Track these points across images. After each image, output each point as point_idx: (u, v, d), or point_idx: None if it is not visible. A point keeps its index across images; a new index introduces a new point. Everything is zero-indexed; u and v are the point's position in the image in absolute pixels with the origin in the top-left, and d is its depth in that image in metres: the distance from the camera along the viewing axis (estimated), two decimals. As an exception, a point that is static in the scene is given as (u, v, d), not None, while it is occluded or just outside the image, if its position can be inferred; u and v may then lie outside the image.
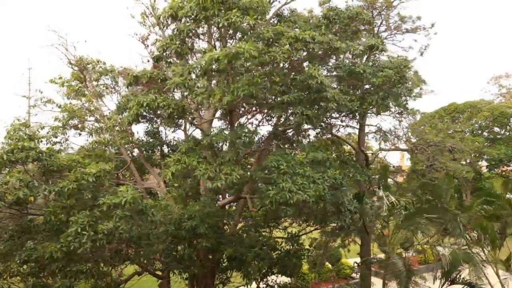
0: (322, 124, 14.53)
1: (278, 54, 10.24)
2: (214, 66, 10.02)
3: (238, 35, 12.69)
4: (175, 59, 12.25)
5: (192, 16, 10.78)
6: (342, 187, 11.03)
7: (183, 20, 11.21)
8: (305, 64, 12.75)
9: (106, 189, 10.68)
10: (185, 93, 10.52)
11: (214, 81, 11.72)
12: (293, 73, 11.99)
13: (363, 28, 15.86)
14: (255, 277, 13.49)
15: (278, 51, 10.35)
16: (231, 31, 12.17)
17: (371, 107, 13.33)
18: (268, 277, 15.15)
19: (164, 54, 11.51)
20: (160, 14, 11.93)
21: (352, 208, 12.31)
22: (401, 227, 13.80)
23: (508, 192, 15.53)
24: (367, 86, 13.26)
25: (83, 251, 9.15)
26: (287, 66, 12.15)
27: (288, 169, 10.27)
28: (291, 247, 15.24)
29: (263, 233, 15.52)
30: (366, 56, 13.68)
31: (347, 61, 13.38)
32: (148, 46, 15.54)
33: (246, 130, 10.80)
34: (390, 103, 13.76)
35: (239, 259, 12.95)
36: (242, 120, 17.08)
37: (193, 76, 10.66)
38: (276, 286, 16.29)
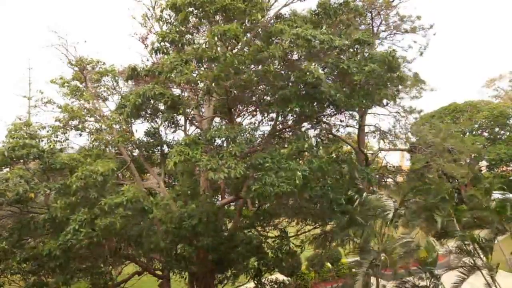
0: (320, 121, 14.55)
1: (276, 50, 10.39)
2: (209, 53, 10.33)
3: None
4: (174, 51, 12.38)
5: (191, 6, 11.00)
6: (328, 175, 11.15)
7: (183, 10, 11.40)
8: (304, 63, 12.83)
9: (111, 188, 10.78)
10: (174, 76, 10.64)
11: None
12: (289, 72, 12.11)
13: (358, 23, 15.75)
14: (243, 274, 13.62)
15: (276, 47, 10.52)
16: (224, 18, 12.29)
17: (359, 102, 13.14)
18: (262, 275, 15.22)
19: (162, 44, 11.65)
20: (163, 8, 12.13)
21: (343, 205, 12.38)
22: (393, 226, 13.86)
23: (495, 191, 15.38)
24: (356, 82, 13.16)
25: (80, 248, 9.25)
26: (283, 64, 12.28)
27: (273, 164, 10.57)
28: (282, 244, 15.31)
29: (254, 232, 15.56)
30: (356, 51, 13.53)
31: (335, 57, 13.32)
32: (147, 46, 15.64)
33: (246, 128, 10.95)
34: (376, 97, 13.54)
35: (228, 257, 13.07)
36: (242, 120, 17.18)
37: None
38: (276, 285, 16.38)
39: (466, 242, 13.85)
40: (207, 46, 10.35)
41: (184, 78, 10.26)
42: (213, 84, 10.88)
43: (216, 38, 9.99)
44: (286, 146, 15.61)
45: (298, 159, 11.03)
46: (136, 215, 10.32)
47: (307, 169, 10.65)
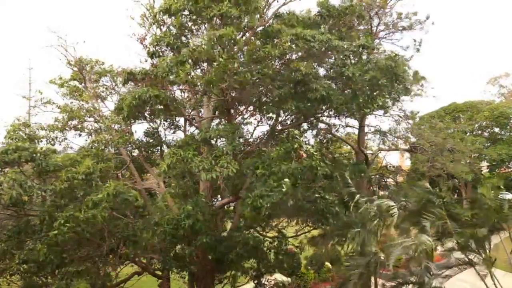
0: (317, 121, 14.50)
1: (273, 50, 10.40)
2: (204, 56, 10.43)
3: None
4: (169, 54, 12.37)
5: (186, 10, 11.02)
6: (319, 172, 11.12)
7: (177, 15, 11.42)
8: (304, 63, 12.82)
9: (97, 186, 10.80)
10: (171, 77, 10.69)
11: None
12: (287, 72, 12.11)
13: (358, 24, 15.69)
14: (242, 275, 13.59)
15: (273, 47, 10.53)
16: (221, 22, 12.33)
17: (358, 109, 13.12)
18: (261, 275, 15.20)
19: (157, 48, 11.67)
20: (157, 11, 12.13)
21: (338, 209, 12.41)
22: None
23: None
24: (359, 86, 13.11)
25: (67, 244, 9.33)
26: (281, 64, 12.27)
27: (264, 170, 10.56)
28: (281, 245, 15.30)
29: (253, 232, 15.54)
30: (359, 56, 13.52)
31: (339, 62, 13.27)
32: (146, 46, 15.60)
33: (241, 126, 10.96)
34: (375, 105, 13.52)
35: (227, 258, 13.08)
36: (243, 120, 17.14)
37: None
38: (274, 286, 16.37)
39: (462, 239, 13.84)
40: (203, 48, 10.34)
41: (179, 79, 10.28)
42: (210, 86, 10.88)
43: (213, 42, 10.00)
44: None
45: (290, 160, 10.96)
46: (122, 209, 10.44)
47: (298, 167, 10.60)
